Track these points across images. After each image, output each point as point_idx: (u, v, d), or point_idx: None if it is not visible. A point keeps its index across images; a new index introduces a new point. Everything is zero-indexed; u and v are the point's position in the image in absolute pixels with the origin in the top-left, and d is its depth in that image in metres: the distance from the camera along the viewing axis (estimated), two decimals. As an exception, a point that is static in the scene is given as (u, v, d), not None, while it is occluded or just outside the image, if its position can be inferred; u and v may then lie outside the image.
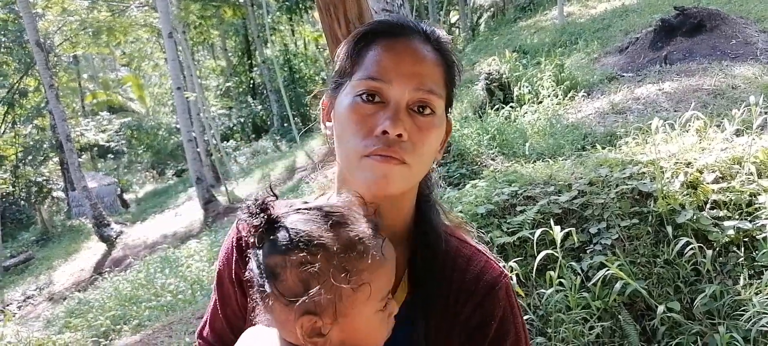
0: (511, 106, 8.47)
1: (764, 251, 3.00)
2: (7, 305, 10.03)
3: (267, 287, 0.80)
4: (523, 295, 3.21)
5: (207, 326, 1.08)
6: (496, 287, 0.91)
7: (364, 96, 0.85)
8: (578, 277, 3.20)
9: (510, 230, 3.71)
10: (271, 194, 0.83)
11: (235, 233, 1.03)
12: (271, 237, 0.81)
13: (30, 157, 20.91)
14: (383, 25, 0.90)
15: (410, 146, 0.83)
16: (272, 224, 0.81)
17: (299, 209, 0.84)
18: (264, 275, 0.80)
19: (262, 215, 0.81)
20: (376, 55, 0.86)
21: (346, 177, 0.90)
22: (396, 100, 0.83)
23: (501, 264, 0.97)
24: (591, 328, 3.00)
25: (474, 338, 0.90)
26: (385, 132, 0.81)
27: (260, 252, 0.82)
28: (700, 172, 3.57)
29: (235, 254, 1.01)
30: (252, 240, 0.82)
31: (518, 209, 3.88)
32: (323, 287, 0.77)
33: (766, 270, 2.82)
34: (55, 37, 17.87)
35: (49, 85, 12.61)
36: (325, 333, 0.79)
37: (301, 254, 0.77)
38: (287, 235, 0.79)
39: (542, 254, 3.23)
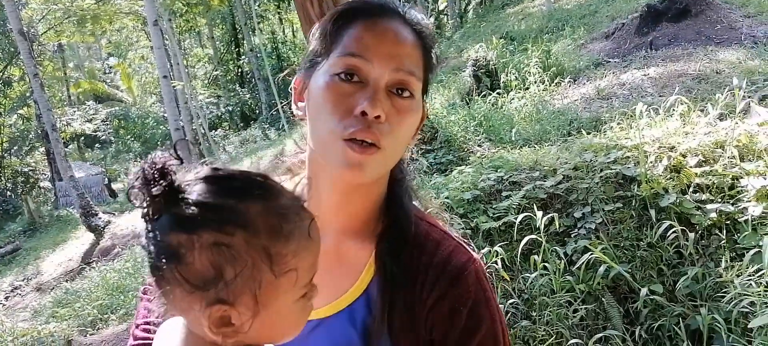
0: (498, 93, 8.49)
1: (745, 233, 3.05)
2: (-6, 296, 9.97)
3: (166, 270, 0.65)
4: (508, 279, 3.24)
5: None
6: (465, 273, 0.88)
7: (342, 75, 0.82)
8: (562, 261, 3.23)
9: (495, 215, 3.73)
10: (174, 155, 0.68)
11: None
12: (174, 210, 0.65)
13: (15, 148, 20.70)
14: (363, 4, 0.88)
15: (387, 129, 0.80)
16: (175, 194, 0.65)
17: (210, 176, 0.68)
18: (163, 256, 0.65)
19: (161, 181, 0.65)
20: (356, 33, 0.84)
21: (318, 161, 0.87)
22: (375, 80, 0.81)
23: (472, 250, 0.93)
24: (575, 311, 3.04)
25: (445, 327, 0.87)
26: (364, 113, 0.78)
27: (157, 227, 0.66)
28: (684, 156, 3.61)
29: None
30: (147, 212, 0.66)
31: (504, 194, 3.90)
32: (240, 274, 0.65)
33: (747, 252, 2.86)
34: (38, 26, 17.63)
35: (33, 75, 12.44)
36: (238, 324, 0.67)
37: (214, 233, 0.64)
38: (196, 208, 0.64)
39: (527, 238, 3.26)
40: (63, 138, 15.26)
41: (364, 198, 0.89)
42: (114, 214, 14.50)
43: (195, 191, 0.66)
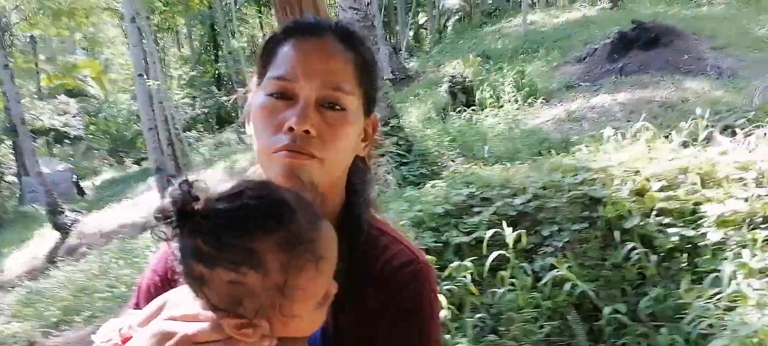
0: (472, 109, 8.63)
1: (706, 257, 3.16)
2: (-47, 293, 9.64)
3: (195, 288, 0.73)
4: (476, 293, 3.31)
5: None
6: (403, 270, 0.89)
7: (274, 95, 0.86)
8: (530, 277, 3.32)
9: (466, 230, 3.80)
10: (188, 192, 0.70)
11: (168, 254, 0.96)
12: (193, 242, 0.70)
13: (-20, 140, 20.13)
14: (296, 24, 0.92)
15: (318, 142, 0.83)
16: (192, 228, 0.69)
17: (223, 204, 0.71)
18: (189, 277, 0.72)
19: (179, 219, 0.69)
20: (286, 54, 0.88)
21: (266, 175, 0.91)
22: (304, 96, 0.84)
23: (418, 253, 0.93)
24: (541, 327, 3.12)
25: (377, 324, 0.87)
26: (291, 128, 0.82)
27: (181, 250, 0.72)
28: (648, 180, 3.74)
29: (168, 274, 0.95)
30: (171, 235, 0.71)
31: (475, 209, 3.98)
32: (256, 307, 0.70)
33: (706, 276, 2.97)
34: (11, 16, 17.25)
35: (3, 66, 12.17)
36: (259, 332, 0.73)
37: (230, 273, 0.69)
38: (212, 248, 0.69)
39: (495, 254, 3.34)
40: (31, 132, 14.90)
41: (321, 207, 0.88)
42: (82, 212, 14.19)
43: (212, 228, 0.69)
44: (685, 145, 4.36)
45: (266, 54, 0.91)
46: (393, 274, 0.89)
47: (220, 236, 0.69)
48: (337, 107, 0.86)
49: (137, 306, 0.96)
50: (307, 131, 0.83)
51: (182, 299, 0.79)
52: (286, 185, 0.81)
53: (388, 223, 1.01)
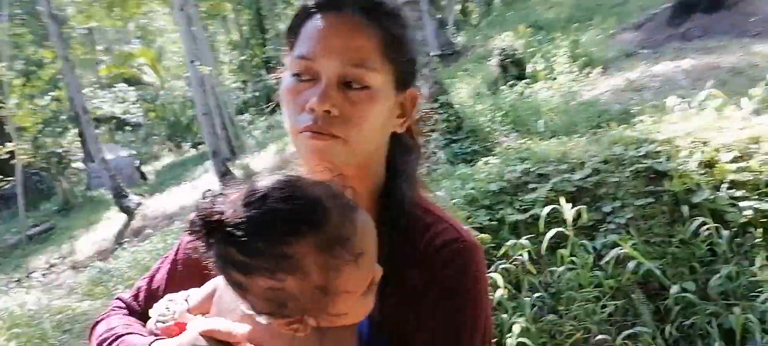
0: (525, 83, 8.41)
1: (782, 231, 2.99)
2: (32, 273, 10.27)
3: (238, 292, 0.73)
4: (534, 272, 3.23)
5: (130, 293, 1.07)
6: (446, 248, 0.87)
7: (297, 75, 0.86)
8: (591, 256, 3.21)
9: (522, 208, 3.72)
10: (217, 210, 0.70)
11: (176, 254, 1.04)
12: (227, 252, 0.69)
13: (48, 129, 21.15)
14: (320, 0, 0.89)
15: (341, 122, 0.82)
16: (224, 238, 0.68)
17: (252, 210, 0.69)
18: (232, 284, 0.72)
19: (209, 231, 0.69)
20: (308, 32, 0.87)
21: (298, 154, 0.90)
22: (325, 75, 0.83)
23: (464, 232, 0.91)
24: (603, 306, 3.02)
25: (420, 304, 0.85)
26: (313, 109, 0.82)
27: (221, 258, 0.71)
28: (717, 151, 3.54)
29: (178, 267, 1.02)
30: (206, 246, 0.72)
31: (531, 186, 3.88)
32: (300, 308, 0.70)
33: (783, 251, 2.81)
34: (68, 9, 17.92)
35: (64, 57, 12.70)
36: (307, 326, 0.73)
37: (267, 280, 0.68)
38: (247, 256, 0.68)
39: (553, 231, 3.24)
40: (94, 120, 15.55)
41: (356, 187, 0.86)
42: (144, 196, 14.77)
43: (243, 236, 0.67)
44: (757, 112, 4.10)
45: (292, 31, 0.90)
46: (435, 252, 0.87)
47: (251, 245, 0.67)
48: (361, 86, 0.84)
49: (175, 263, 1.02)
50: (328, 111, 0.81)
51: (227, 294, 0.80)
52: (316, 167, 0.81)
53: (435, 202, 0.99)
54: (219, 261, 0.71)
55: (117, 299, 1.03)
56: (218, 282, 0.84)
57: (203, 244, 0.71)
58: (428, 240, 0.88)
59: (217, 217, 0.68)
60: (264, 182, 0.73)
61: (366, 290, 0.76)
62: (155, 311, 0.87)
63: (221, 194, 0.72)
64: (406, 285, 0.86)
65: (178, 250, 1.03)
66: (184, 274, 0.98)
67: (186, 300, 0.86)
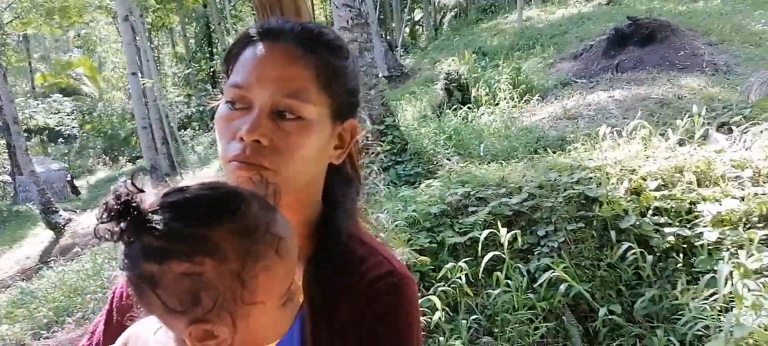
0: (468, 107, 8.59)
1: (702, 257, 3.15)
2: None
3: (146, 294, 0.68)
4: (471, 295, 3.28)
5: None
6: (380, 282, 0.85)
7: (230, 103, 0.84)
8: (525, 278, 3.29)
9: (461, 231, 3.77)
10: (134, 187, 0.68)
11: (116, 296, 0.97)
12: (144, 239, 0.66)
13: (-27, 139, 20.01)
14: (259, 28, 0.88)
15: (271, 152, 0.81)
16: (140, 224, 0.66)
17: (175, 202, 0.68)
18: (140, 281, 0.67)
19: (125, 215, 0.66)
20: (244, 60, 0.86)
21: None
22: (258, 105, 0.82)
23: (397, 264, 0.89)
24: (536, 328, 3.09)
25: (351, 336, 0.83)
26: (242, 138, 0.80)
27: (130, 255, 0.68)
28: (644, 179, 3.71)
29: (114, 316, 0.95)
30: (117, 241, 0.68)
31: (470, 209, 3.95)
32: (215, 299, 0.67)
33: (703, 276, 2.95)
34: (4, 15, 17.12)
35: (-5, 65, 12.10)
36: (221, 337, 0.69)
37: (184, 264, 0.65)
38: (163, 240, 0.65)
39: (490, 254, 3.30)
40: (25, 131, 14.81)
41: (290, 218, 0.83)
42: (76, 212, 14.12)
43: (162, 220, 0.66)
44: (681, 143, 4.34)
45: (229, 59, 0.88)
46: (369, 286, 0.84)
47: (171, 228, 0.65)
48: (295, 116, 0.82)
49: (110, 313, 0.96)
50: (258, 141, 0.80)
51: (143, 331, 0.78)
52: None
53: (371, 231, 0.98)
54: (131, 255, 0.67)
55: None
56: (130, 332, 0.82)
57: (114, 233, 0.66)
58: (362, 273, 0.86)
59: (135, 203, 0.66)
60: (184, 182, 0.73)
61: (284, 300, 0.73)
62: None
63: (139, 190, 0.68)
64: (338, 317, 0.84)
65: (112, 299, 0.99)
66: (121, 323, 0.92)
67: None
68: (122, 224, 0.66)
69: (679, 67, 9.00)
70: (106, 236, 0.67)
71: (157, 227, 0.65)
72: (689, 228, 3.35)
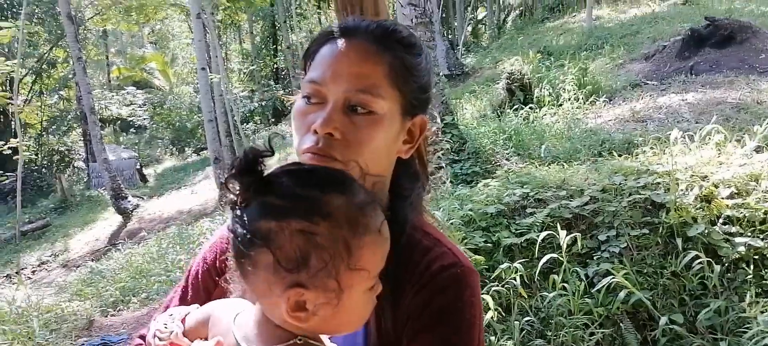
0: (530, 108, 8.40)
1: (774, 269, 2.96)
2: (22, 269, 10.20)
3: (254, 253, 0.72)
4: (525, 296, 3.20)
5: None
6: (443, 273, 0.88)
7: (306, 98, 0.89)
8: (582, 283, 3.18)
9: (518, 232, 3.69)
10: (267, 148, 0.74)
11: (219, 244, 1.02)
12: (264, 199, 0.72)
13: (54, 127, 21.29)
14: (338, 26, 0.93)
15: (342, 145, 0.84)
16: (266, 184, 0.73)
17: (295, 170, 0.76)
18: (254, 238, 0.71)
19: (253, 173, 0.72)
20: (320, 57, 0.90)
21: None
22: (332, 99, 0.86)
23: (461, 257, 0.91)
24: (591, 334, 2.99)
25: (414, 326, 0.86)
26: (316, 131, 0.84)
27: (247, 214, 0.73)
28: (716, 186, 3.52)
29: (217, 262, 1.00)
30: (238, 199, 0.74)
31: (528, 210, 3.86)
32: (322, 261, 0.70)
33: (773, 289, 2.78)
34: (86, 11, 18.12)
35: (77, 58, 12.79)
36: (311, 309, 0.73)
37: (302, 222, 0.70)
38: (285, 198, 0.72)
39: (547, 257, 3.21)
40: (100, 121, 15.61)
41: None
42: (143, 198, 14.79)
43: (283, 183, 0.73)
44: (758, 150, 4.08)
45: (308, 56, 0.94)
46: (433, 276, 0.88)
47: (292, 190, 0.73)
48: (362, 111, 0.86)
49: (185, 290, 1.02)
50: (330, 134, 0.84)
51: (224, 315, 0.83)
52: None
53: (435, 225, 1.00)
54: (246, 212, 0.73)
55: (139, 336, 1.01)
56: (213, 308, 0.87)
57: (236, 190, 0.73)
58: (426, 264, 0.89)
59: (262, 166, 0.73)
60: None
61: (373, 284, 0.77)
62: (155, 325, 0.88)
63: (271, 151, 0.75)
64: (402, 307, 0.87)
65: (188, 276, 1.04)
66: (195, 301, 0.99)
67: (183, 321, 0.87)
68: (249, 180, 0.73)
69: (759, 70, 8.46)
70: (232, 190, 0.74)
71: (280, 187, 0.73)
72: (762, 239, 3.15)
